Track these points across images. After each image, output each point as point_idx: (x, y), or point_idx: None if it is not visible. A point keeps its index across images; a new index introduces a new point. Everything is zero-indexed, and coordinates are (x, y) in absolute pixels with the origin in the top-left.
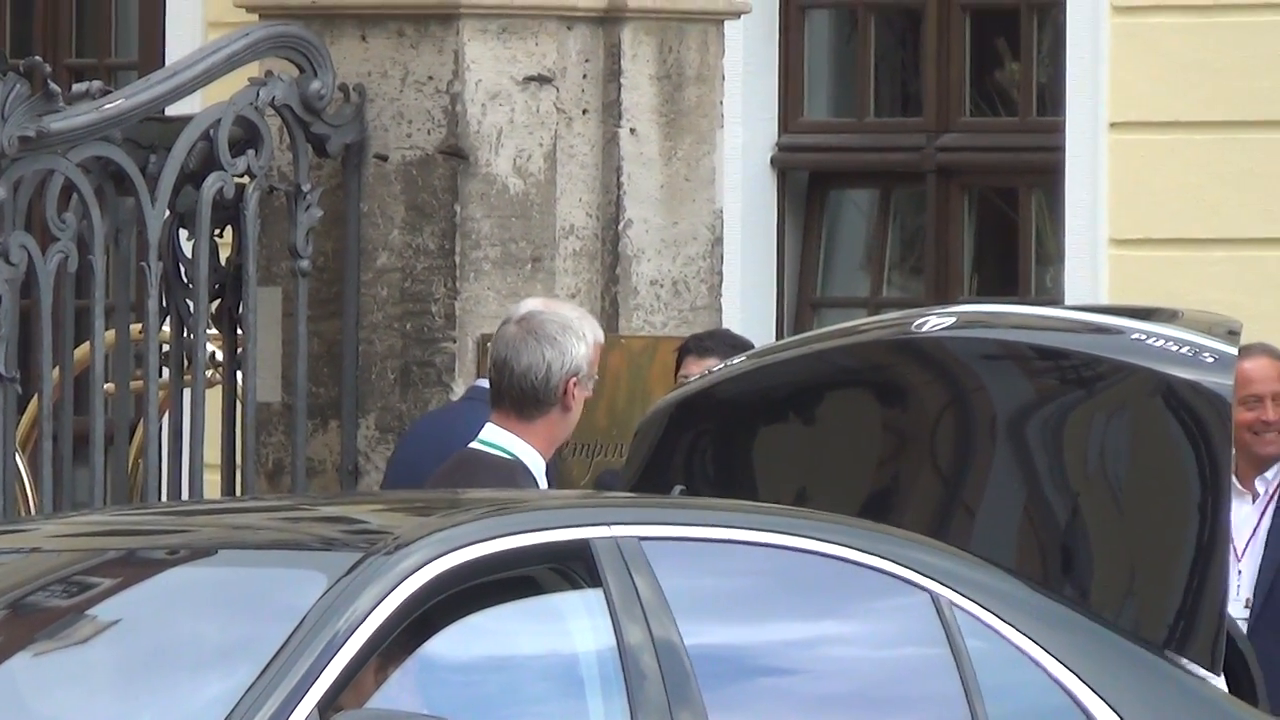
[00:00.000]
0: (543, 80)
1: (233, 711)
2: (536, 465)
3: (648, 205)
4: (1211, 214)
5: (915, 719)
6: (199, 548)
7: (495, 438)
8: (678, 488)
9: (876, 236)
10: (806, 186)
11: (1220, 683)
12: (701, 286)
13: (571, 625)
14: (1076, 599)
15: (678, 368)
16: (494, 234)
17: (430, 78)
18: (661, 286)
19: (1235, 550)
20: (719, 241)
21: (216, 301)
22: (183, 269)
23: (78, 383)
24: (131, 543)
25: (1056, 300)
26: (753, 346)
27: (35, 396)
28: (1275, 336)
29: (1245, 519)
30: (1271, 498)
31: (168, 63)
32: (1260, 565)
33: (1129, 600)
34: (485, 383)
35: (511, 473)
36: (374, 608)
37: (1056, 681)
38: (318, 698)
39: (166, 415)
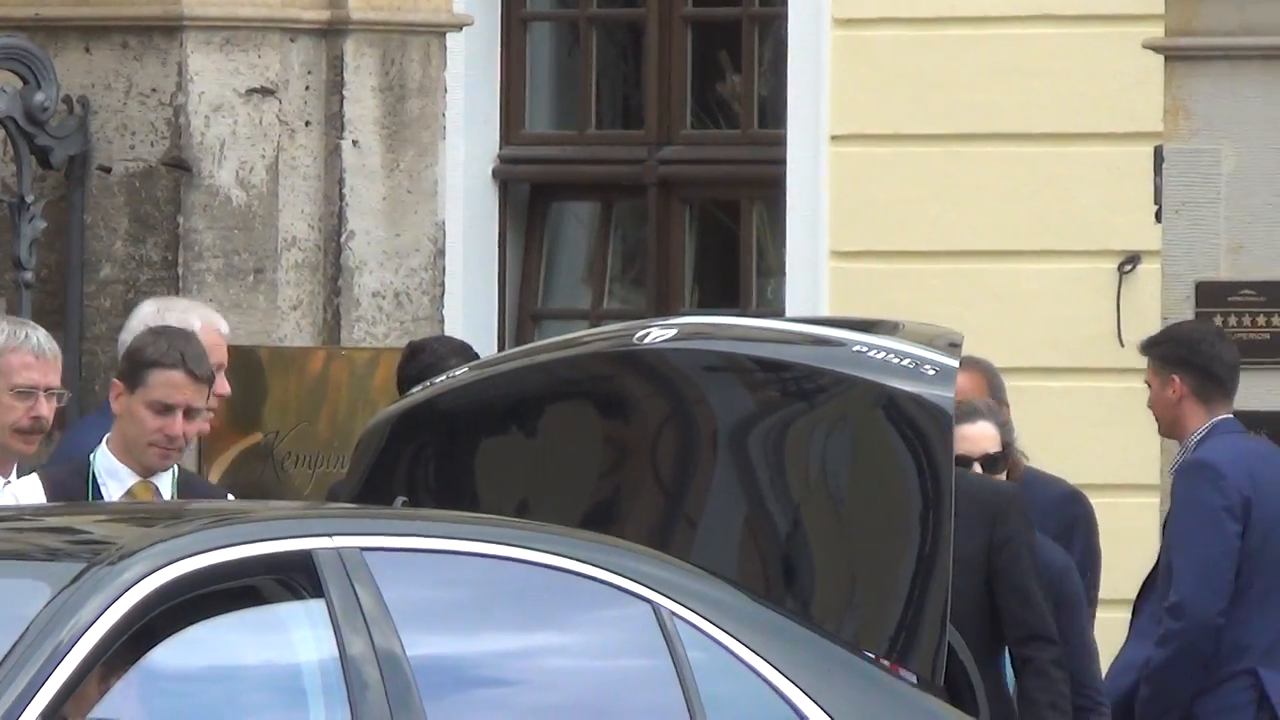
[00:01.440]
0: (265, 92)
1: None
2: None
3: (370, 217)
4: (932, 227)
5: None
6: None
7: None
8: (400, 499)
9: (598, 249)
10: (528, 198)
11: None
12: (424, 298)
13: (294, 636)
14: (798, 610)
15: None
16: (217, 245)
17: (154, 90)
18: (384, 298)
19: None
20: (441, 253)
21: None
22: None
23: None
24: None
25: (778, 312)
26: (475, 354)
27: None
28: (995, 349)
29: None
30: None
31: None
32: None
33: (851, 612)
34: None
35: None
36: (97, 618)
37: (778, 692)
38: (40, 708)
39: None
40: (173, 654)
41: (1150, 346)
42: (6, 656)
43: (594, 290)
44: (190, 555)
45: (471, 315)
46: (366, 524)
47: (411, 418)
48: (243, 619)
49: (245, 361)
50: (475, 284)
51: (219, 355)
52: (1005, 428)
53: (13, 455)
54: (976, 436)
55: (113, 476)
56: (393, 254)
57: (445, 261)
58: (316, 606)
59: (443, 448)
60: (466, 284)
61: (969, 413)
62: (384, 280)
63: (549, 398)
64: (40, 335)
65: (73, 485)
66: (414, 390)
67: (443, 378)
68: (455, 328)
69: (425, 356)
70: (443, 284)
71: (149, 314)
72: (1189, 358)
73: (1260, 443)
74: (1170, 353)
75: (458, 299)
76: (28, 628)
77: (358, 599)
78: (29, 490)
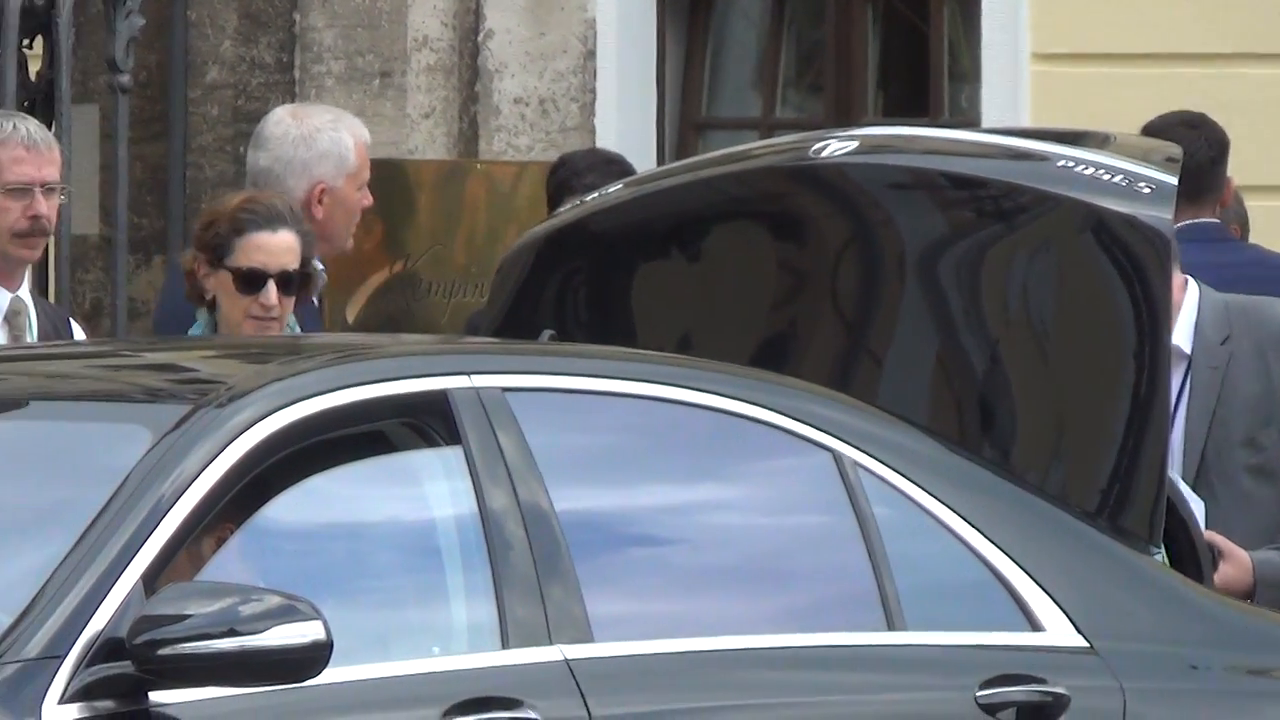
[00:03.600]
0: None
1: (45, 586)
2: None
3: (511, 14)
4: (1148, 25)
5: (814, 593)
6: (6, 399)
7: None
8: (546, 332)
9: (769, 49)
10: None
11: (1161, 555)
12: (572, 105)
13: (427, 487)
14: (997, 460)
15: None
16: (338, 45)
17: None
18: (527, 105)
19: None
20: (592, 54)
21: None
22: None
23: None
24: None
25: (972, 122)
26: (634, 171)
27: None
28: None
29: None
30: None
31: None
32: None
33: (1056, 461)
34: None
35: None
36: (204, 468)
37: (974, 551)
38: (141, 570)
39: None
40: (289, 508)
41: None
42: (103, 511)
43: (765, 97)
44: (309, 396)
45: (626, 125)
46: (509, 360)
47: (559, 241)
48: (369, 468)
49: (374, 175)
50: (630, 89)
51: (364, 170)
52: None
53: (15, 264)
54: (277, 247)
55: None
56: (537, 55)
57: (596, 64)
58: (452, 454)
59: (595, 275)
60: (620, 89)
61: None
62: (527, 85)
63: (714, 218)
64: (31, 125)
65: None
66: (562, 209)
67: (595, 196)
68: (608, 138)
69: (563, 171)
70: (594, 89)
71: (284, 123)
72: None
73: None
74: None
75: (610, 106)
76: (126, 479)
77: (499, 446)
78: None
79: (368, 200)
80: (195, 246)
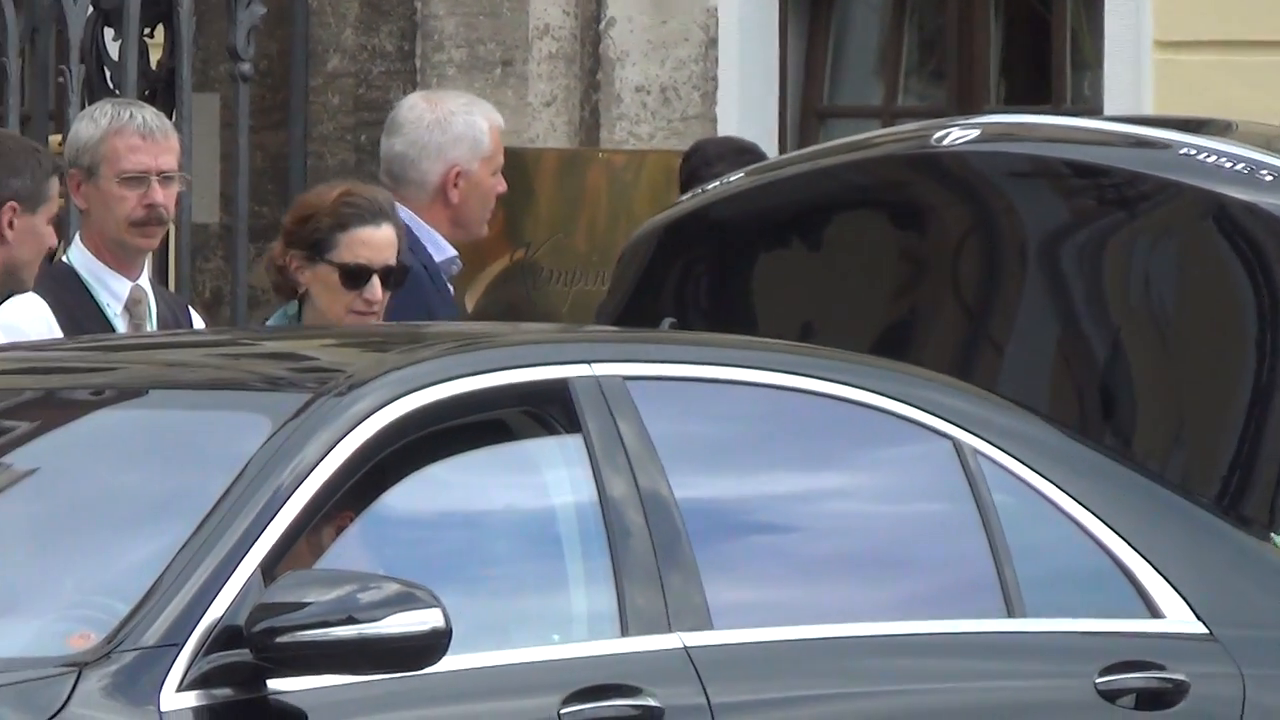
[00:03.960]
0: None
1: (164, 574)
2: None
3: (632, 2)
4: (1271, 11)
5: (934, 580)
6: (127, 388)
7: None
8: (667, 320)
9: (891, 37)
10: None
11: None
12: (694, 93)
13: (547, 475)
14: (1118, 448)
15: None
16: (460, 34)
17: None
18: (648, 93)
19: None
20: (714, 42)
21: None
22: (108, 73)
23: None
24: (51, 382)
25: (1094, 110)
26: (765, 158)
27: None
28: None
29: None
30: None
31: None
32: None
33: (1177, 449)
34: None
35: None
36: (323, 456)
37: (1096, 540)
38: (260, 558)
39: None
40: (408, 496)
41: None
42: (222, 500)
43: (886, 85)
44: (429, 385)
45: (748, 113)
46: (629, 349)
47: (681, 229)
48: (488, 456)
49: None
50: (752, 77)
51: (499, 155)
52: None
53: (134, 253)
54: (381, 242)
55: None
56: (659, 44)
57: (718, 52)
58: (573, 442)
59: (716, 263)
60: (742, 77)
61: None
62: (649, 73)
63: (836, 206)
64: (148, 113)
65: (69, 298)
66: (684, 198)
67: (716, 184)
68: (728, 127)
69: (695, 159)
70: (715, 78)
71: (418, 108)
72: None
73: None
74: None
75: (732, 95)
76: (245, 467)
77: (619, 434)
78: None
79: (501, 186)
80: (287, 241)
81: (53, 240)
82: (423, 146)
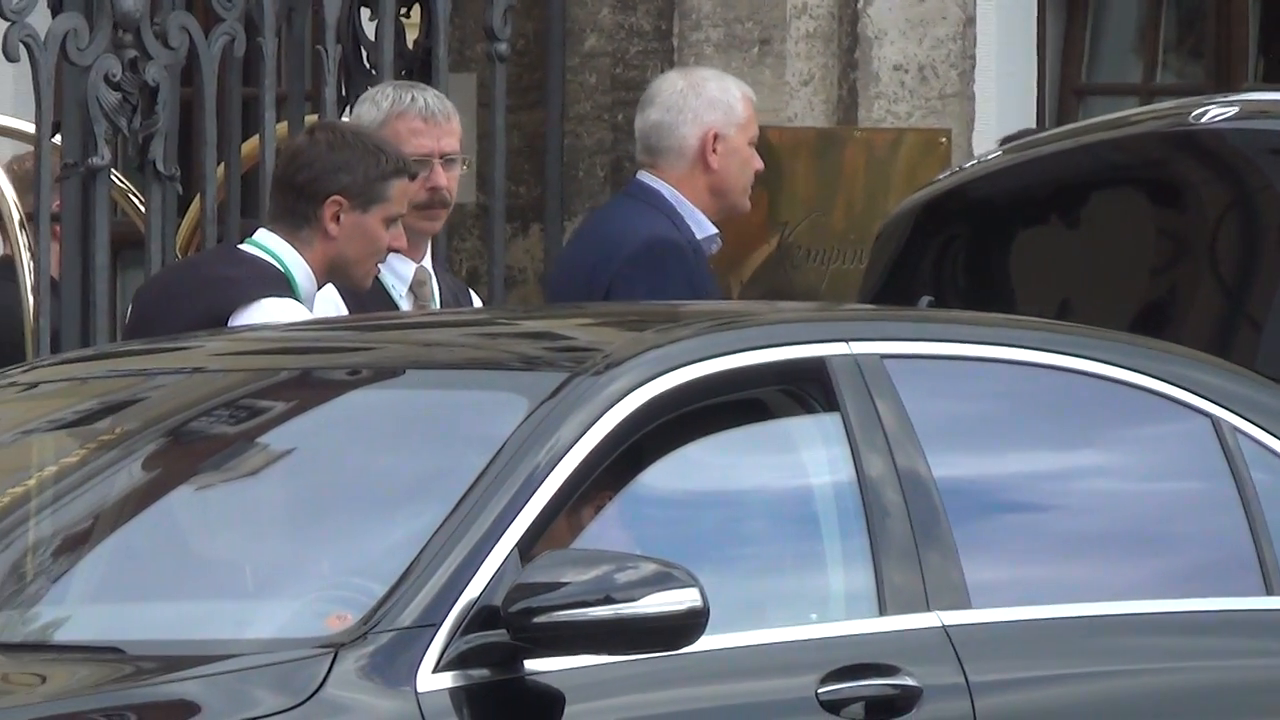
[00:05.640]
0: None
1: (420, 554)
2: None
3: None
4: None
5: (1191, 558)
6: (383, 368)
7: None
8: (925, 299)
9: (1150, 14)
10: None
11: None
12: (952, 72)
13: (804, 454)
14: None
15: None
16: (717, 13)
17: None
18: (906, 72)
19: None
20: (971, 21)
21: None
22: (364, 53)
23: (245, 181)
24: (307, 362)
25: None
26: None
27: (198, 197)
28: None
29: None
30: None
31: None
32: None
33: None
34: (646, 177)
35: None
36: (580, 436)
37: None
38: (516, 538)
39: None
40: (664, 476)
41: None
42: (478, 480)
43: (1145, 62)
44: (687, 363)
45: (1005, 91)
46: (887, 327)
47: (938, 208)
48: (745, 436)
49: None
50: (1010, 55)
51: (753, 126)
52: None
53: (417, 235)
54: None
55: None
56: (916, 22)
57: (976, 30)
58: (830, 421)
59: (973, 241)
60: (1000, 55)
61: None
62: (906, 52)
63: (1094, 184)
64: (429, 96)
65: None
66: (941, 175)
67: (973, 161)
68: (987, 105)
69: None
70: (973, 56)
71: (669, 78)
72: None
73: None
74: None
75: (990, 73)
76: (502, 447)
77: (877, 413)
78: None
79: (759, 163)
80: None
81: (394, 242)
82: (679, 111)
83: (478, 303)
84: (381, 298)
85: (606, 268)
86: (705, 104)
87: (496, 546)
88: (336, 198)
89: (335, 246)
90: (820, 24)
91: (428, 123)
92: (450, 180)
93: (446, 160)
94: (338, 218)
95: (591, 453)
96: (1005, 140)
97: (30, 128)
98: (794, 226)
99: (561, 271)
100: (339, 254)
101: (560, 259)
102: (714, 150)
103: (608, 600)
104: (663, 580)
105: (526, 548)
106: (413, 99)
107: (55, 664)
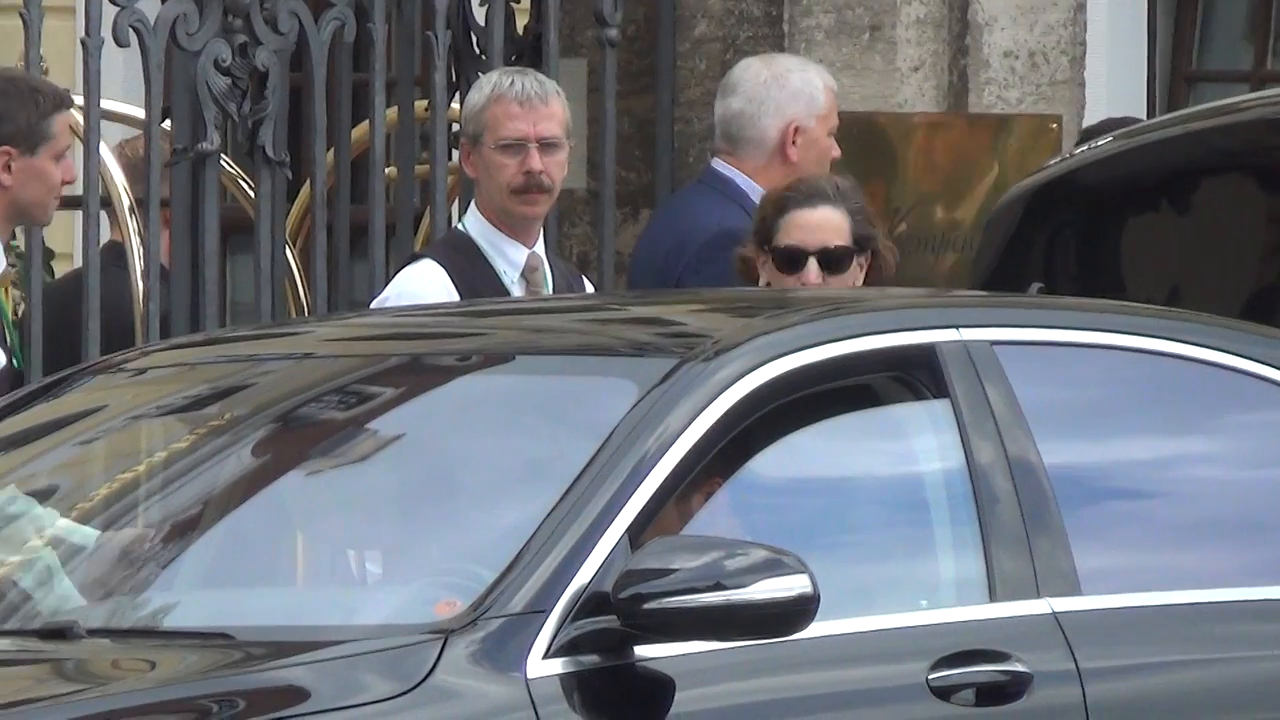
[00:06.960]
0: None
1: (530, 540)
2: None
3: None
4: None
5: None
6: (493, 353)
7: None
8: (1035, 285)
9: (1261, 1)
10: None
11: None
12: (1062, 58)
13: (914, 441)
14: None
15: None
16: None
17: None
18: (1017, 58)
19: None
20: (1082, 7)
21: None
22: (474, 38)
23: (355, 167)
24: (417, 347)
25: None
26: None
27: (307, 183)
28: None
29: None
30: None
31: None
32: None
33: None
34: (721, 164)
35: None
36: (689, 422)
37: None
38: (627, 524)
39: (455, 202)
40: (774, 462)
41: None
42: (588, 466)
43: (1256, 49)
44: (797, 350)
45: (1116, 77)
46: (997, 314)
47: (1048, 194)
48: (855, 422)
49: (863, 130)
50: (1121, 42)
51: (833, 116)
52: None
53: (521, 220)
54: (816, 224)
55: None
56: (1027, 8)
57: (1086, 16)
58: (940, 407)
59: (1083, 227)
60: (1111, 42)
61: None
62: (1017, 38)
63: (1204, 170)
64: (527, 80)
65: (466, 264)
66: (1051, 162)
67: (1083, 148)
68: (1097, 91)
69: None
70: (1084, 42)
71: (752, 67)
72: None
73: None
74: None
75: (1101, 59)
76: (611, 433)
77: (987, 399)
78: (430, 277)
79: (836, 151)
80: (753, 233)
81: (65, 176)
82: (761, 102)
83: (590, 289)
84: (493, 283)
85: (679, 258)
86: (789, 96)
87: (606, 533)
88: (5, 148)
89: (11, 194)
90: (930, 10)
91: (523, 106)
92: (551, 165)
93: (544, 144)
94: (9, 167)
95: (701, 439)
96: (1085, 133)
97: (140, 113)
98: (903, 214)
99: (638, 260)
100: (15, 200)
101: (637, 247)
102: (794, 143)
103: (718, 586)
104: (773, 567)
105: (636, 534)
106: (510, 83)
107: (164, 650)
